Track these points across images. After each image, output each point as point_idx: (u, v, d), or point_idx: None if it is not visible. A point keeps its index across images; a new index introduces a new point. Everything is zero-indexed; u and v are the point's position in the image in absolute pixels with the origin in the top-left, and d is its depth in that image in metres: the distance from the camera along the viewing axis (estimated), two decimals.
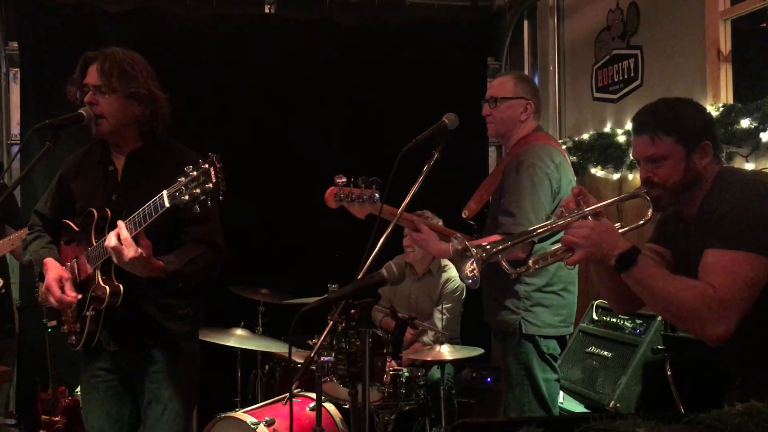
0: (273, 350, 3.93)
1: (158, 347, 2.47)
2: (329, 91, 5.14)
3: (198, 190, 2.03)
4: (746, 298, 1.85)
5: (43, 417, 3.94)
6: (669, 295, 1.89)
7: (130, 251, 2.15)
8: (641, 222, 2.06)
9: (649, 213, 2.04)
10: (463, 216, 3.07)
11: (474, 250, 1.99)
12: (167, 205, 2.10)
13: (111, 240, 2.17)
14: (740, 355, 2.01)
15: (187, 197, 2.04)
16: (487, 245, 2.03)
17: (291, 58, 5.09)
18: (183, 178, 2.06)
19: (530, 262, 2.09)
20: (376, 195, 2.78)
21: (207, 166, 2.03)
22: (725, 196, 1.96)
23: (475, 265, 1.99)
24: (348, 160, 4.99)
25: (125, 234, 2.16)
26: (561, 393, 3.17)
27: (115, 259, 2.19)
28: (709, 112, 2.11)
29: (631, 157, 2.23)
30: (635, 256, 1.92)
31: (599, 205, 2.03)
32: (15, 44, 4.85)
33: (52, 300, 2.37)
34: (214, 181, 2.02)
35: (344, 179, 2.76)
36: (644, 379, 3.39)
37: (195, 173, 2.04)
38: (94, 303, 2.35)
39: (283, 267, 4.86)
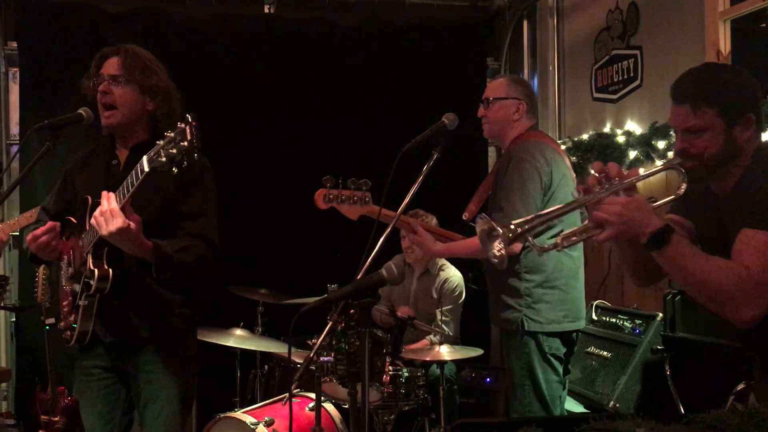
0: (272, 350, 3.93)
1: (154, 343, 2.45)
2: (329, 90, 5.13)
3: (174, 150, 2.01)
4: None
5: (43, 417, 3.93)
6: (702, 276, 1.82)
7: (117, 221, 2.12)
8: (674, 195, 1.97)
9: (683, 186, 1.95)
10: (464, 218, 3.09)
11: (500, 229, 1.94)
12: (146, 169, 2.08)
13: (98, 210, 2.15)
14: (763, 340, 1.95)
15: (164, 158, 2.03)
16: (512, 224, 1.97)
17: (290, 57, 5.09)
18: (161, 141, 2.05)
19: (559, 239, 1.98)
20: (368, 196, 2.79)
21: (183, 125, 2.02)
22: None
23: (502, 244, 1.93)
24: (347, 160, 5.01)
25: (113, 204, 2.14)
26: (565, 393, 3.15)
27: (101, 231, 2.15)
28: (756, 82, 1.99)
29: (669, 125, 2.09)
30: (668, 235, 1.84)
31: (632, 179, 1.92)
32: (14, 44, 4.85)
33: (43, 238, 2.32)
34: (188, 139, 2.00)
35: (333, 181, 2.76)
36: (644, 379, 3.39)
37: (172, 135, 2.04)
38: (86, 290, 2.32)
39: (282, 267, 4.86)
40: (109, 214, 2.13)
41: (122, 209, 2.15)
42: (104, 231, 2.15)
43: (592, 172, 2.00)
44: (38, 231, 2.34)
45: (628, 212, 1.85)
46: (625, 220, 1.85)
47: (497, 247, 1.95)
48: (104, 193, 2.18)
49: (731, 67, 2.00)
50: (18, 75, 4.86)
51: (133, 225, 2.15)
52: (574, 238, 1.98)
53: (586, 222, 1.96)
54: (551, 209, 2.05)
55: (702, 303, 1.88)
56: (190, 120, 2.02)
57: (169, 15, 4.98)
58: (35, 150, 2.43)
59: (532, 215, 2.02)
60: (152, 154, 2.07)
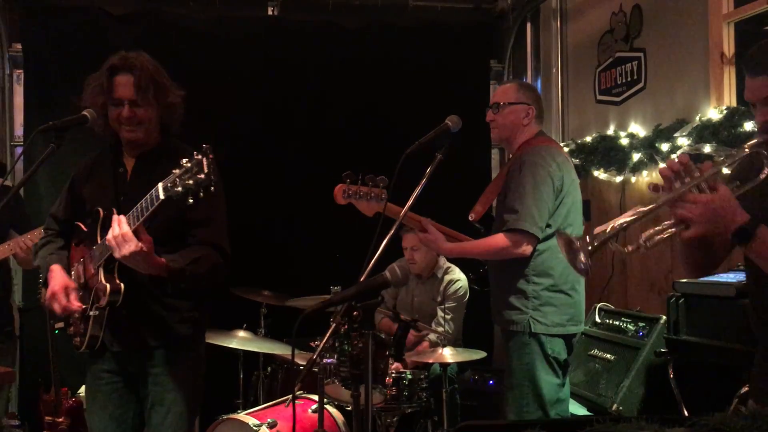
0: (275, 352, 3.93)
1: (162, 349, 2.47)
2: (332, 93, 5.14)
3: (191, 182, 2.03)
4: None
5: (47, 418, 3.94)
6: None
7: (130, 245, 2.15)
8: (755, 182, 1.90)
9: (766, 171, 1.87)
10: (470, 219, 3.09)
11: (578, 243, 1.91)
12: (162, 197, 2.09)
13: (111, 233, 2.18)
14: None
15: (180, 189, 2.04)
16: (594, 234, 1.93)
17: (294, 60, 5.10)
18: (177, 170, 2.06)
19: (642, 239, 1.92)
20: (384, 193, 2.79)
21: (200, 157, 2.03)
22: None
23: (583, 256, 1.90)
24: (351, 162, 4.96)
25: (125, 228, 2.17)
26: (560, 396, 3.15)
27: (115, 254, 2.18)
28: None
29: (746, 99, 2.01)
30: (754, 229, 1.80)
31: (711, 172, 1.85)
32: (18, 46, 4.86)
33: (56, 308, 2.38)
34: (206, 172, 2.02)
35: (353, 176, 2.77)
36: (647, 382, 3.39)
37: (188, 165, 2.04)
38: (97, 302, 2.35)
39: (285, 268, 4.86)
40: (122, 238, 2.15)
41: (135, 231, 2.18)
42: (117, 254, 2.18)
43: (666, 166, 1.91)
44: (63, 300, 2.36)
45: (712, 211, 1.80)
46: (710, 219, 1.80)
47: (583, 259, 1.92)
48: (115, 217, 2.21)
49: None
50: (22, 77, 4.88)
51: (145, 247, 2.18)
52: (658, 237, 1.91)
53: (671, 220, 1.90)
54: (631, 213, 1.98)
55: None
56: (207, 151, 2.03)
57: (173, 17, 5.00)
58: (39, 152, 2.43)
59: (609, 224, 1.97)
60: (168, 183, 2.08)
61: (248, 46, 5.07)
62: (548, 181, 2.87)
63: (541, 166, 2.89)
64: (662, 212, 1.92)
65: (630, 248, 1.93)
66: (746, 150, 1.92)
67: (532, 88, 3.24)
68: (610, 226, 1.93)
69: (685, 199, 1.83)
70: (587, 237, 1.92)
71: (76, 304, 2.37)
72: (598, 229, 1.93)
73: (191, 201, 2.06)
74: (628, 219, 1.94)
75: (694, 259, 2.14)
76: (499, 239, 2.87)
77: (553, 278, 2.89)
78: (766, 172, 1.87)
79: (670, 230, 1.88)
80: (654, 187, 1.90)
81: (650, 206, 1.91)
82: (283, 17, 5.21)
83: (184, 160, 2.06)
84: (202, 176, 2.02)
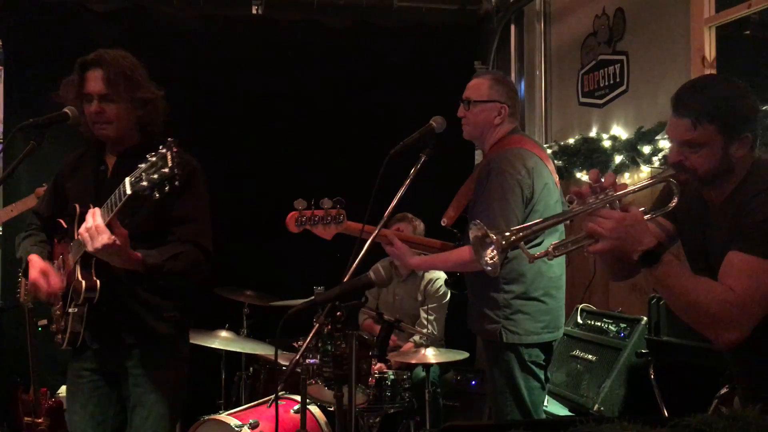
0: (258, 352, 3.92)
1: (143, 348, 2.45)
2: (316, 93, 5.13)
3: (155, 176, 2.01)
4: (765, 308, 1.81)
5: (26, 419, 3.90)
6: (688, 296, 1.84)
7: (103, 237, 2.12)
8: (665, 209, 1.96)
9: (675, 200, 1.94)
10: (442, 224, 3.01)
11: (494, 236, 1.89)
12: (129, 192, 2.08)
13: (83, 226, 2.16)
14: (746, 360, 1.99)
15: (145, 183, 2.02)
16: (506, 231, 1.93)
17: (278, 59, 5.09)
18: (143, 165, 2.05)
19: (551, 248, 1.95)
20: (343, 214, 2.76)
21: (164, 151, 2.01)
22: (763, 198, 1.87)
23: (495, 251, 1.89)
24: (335, 162, 5.01)
25: (99, 220, 2.14)
26: (546, 396, 3.16)
27: (88, 247, 2.15)
28: (756, 100, 1.97)
29: (667, 135, 2.06)
30: (660, 254, 1.84)
31: (625, 191, 1.91)
32: None
33: (41, 295, 2.35)
34: (170, 165, 2.00)
35: (304, 203, 2.74)
36: (628, 382, 3.41)
37: (153, 159, 2.03)
38: (75, 299, 2.34)
39: (268, 269, 4.84)
40: (95, 230, 2.12)
41: (108, 224, 2.15)
42: (90, 247, 2.15)
43: (587, 179, 1.97)
44: (44, 285, 2.35)
45: (623, 228, 1.83)
46: (619, 236, 1.83)
47: (490, 254, 1.90)
48: (90, 210, 2.18)
49: (734, 82, 1.96)
50: (2, 73, 4.82)
51: (118, 241, 2.15)
52: (565, 249, 1.96)
53: (582, 234, 1.93)
54: (545, 219, 2.03)
55: (686, 321, 1.90)
56: (171, 145, 2.02)
57: (157, 15, 4.96)
58: (20, 149, 2.41)
59: (527, 224, 1.99)
60: (133, 178, 2.06)
61: (232, 44, 5.05)
62: (516, 191, 2.72)
63: (509, 173, 2.73)
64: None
65: (538, 254, 1.97)
66: (654, 179, 2.01)
67: (506, 82, 3.04)
68: (531, 229, 1.98)
69: (598, 213, 1.87)
70: (504, 233, 1.92)
71: (57, 283, 2.35)
72: (456, 252, 1.93)
73: (157, 195, 2.03)
74: (543, 224, 2.01)
75: (610, 268, 2.20)
76: (465, 252, 2.75)
77: (524, 285, 2.79)
78: (674, 201, 1.94)
79: (578, 243, 1.93)
80: (570, 199, 1.95)
81: (562, 215, 1.99)
82: (268, 16, 5.18)
83: (150, 155, 2.04)
84: (166, 170, 2.00)
